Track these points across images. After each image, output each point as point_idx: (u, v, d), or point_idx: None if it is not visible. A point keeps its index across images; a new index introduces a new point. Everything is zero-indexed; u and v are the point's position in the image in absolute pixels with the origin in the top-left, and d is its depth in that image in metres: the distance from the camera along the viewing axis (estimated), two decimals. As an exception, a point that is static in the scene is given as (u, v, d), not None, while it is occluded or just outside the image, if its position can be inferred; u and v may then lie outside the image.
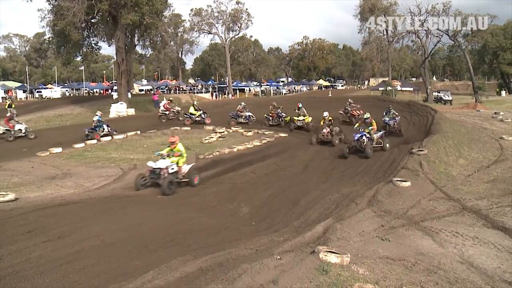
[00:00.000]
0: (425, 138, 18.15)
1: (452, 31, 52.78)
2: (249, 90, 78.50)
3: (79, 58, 48.81)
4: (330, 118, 22.59)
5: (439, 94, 54.68)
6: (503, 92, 63.59)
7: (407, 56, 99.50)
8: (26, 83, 78.61)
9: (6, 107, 34.91)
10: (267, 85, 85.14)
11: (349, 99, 31.22)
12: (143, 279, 6.38)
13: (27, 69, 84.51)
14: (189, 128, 26.50)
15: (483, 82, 68.53)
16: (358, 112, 28.03)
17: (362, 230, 8.73)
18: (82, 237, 8.28)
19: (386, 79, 70.92)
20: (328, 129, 21.59)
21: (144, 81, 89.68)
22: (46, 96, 67.08)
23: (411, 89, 61.49)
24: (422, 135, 20.18)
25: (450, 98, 52.42)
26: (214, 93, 66.07)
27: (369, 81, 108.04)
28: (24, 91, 70.54)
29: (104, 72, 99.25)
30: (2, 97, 61.65)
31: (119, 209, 10.43)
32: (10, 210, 9.67)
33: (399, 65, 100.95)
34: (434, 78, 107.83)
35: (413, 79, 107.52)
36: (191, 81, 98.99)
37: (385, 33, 66.56)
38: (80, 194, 12.23)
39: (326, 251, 6.91)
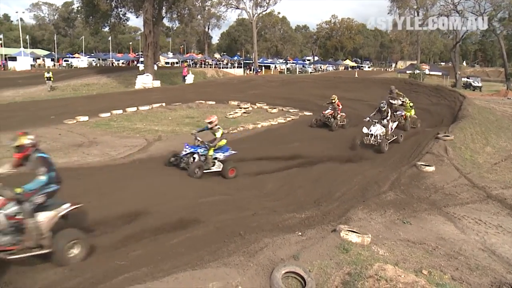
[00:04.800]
0: (451, 124, 17.83)
1: (487, 15, 50.97)
2: (275, 67, 77.83)
3: (106, 29, 49.13)
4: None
5: (468, 80, 53.36)
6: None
7: (438, 39, 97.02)
8: (54, 52, 79.55)
9: (46, 79, 35.33)
10: (293, 63, 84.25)
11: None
12: (165, 247, 6.59)
13: (55, 38, 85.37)
14: (214, 103, 26.57)
15: (516, 69, 66.40)
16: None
17: (384, 212, 8.73)
18: (105, 203, 8.51)
19: (415, 62, 69.40)
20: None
21: (170, 54, 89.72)
22: (72, 65, 67.87)
23: (440, 73, 60.04)
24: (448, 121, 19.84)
25: (480, 84, 51.14)
26: (255, 69, 65.15)
27: (396, 63, 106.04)
28: (52, 60, 71.48)
29: (130, 43, 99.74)
30: (31, 65, 62.64)
31: (143, 178, 10.65)
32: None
33: (428, 48, 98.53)
34: (464, 63, 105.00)
35: (442, 63, 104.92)
36: (217, 55, 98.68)
37: (416, 14, 64.79)
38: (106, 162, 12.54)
39: (348, 230, 6.96)
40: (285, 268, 5.52)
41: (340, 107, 20.58)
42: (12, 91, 32.90)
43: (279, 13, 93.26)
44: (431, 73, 59.86)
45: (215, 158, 12.34)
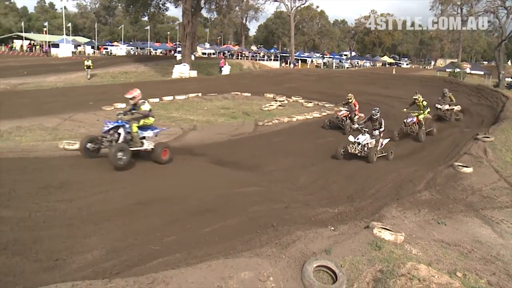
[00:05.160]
0: (492, 125, 17.30)
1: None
2: (311, 61, 77.28)
3: (146, 18, 49.87)
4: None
5: (513, 79, 51.47)
6: None
7: (481, 37, 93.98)
8: (95, 40, 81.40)
9: (85, 68, 36.15)
10: (330, 57, 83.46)
11: None
12: (199, 234, 6.69)
13: (95, 26, 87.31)
14: (249, 94, 26.69)
15: None
16: None
17: (418, 211, 8.58)
18: (141, 189, 8.73)
19: (455, 60, 67.48)
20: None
21: (207, 45, 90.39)
22: (112, 53, 69.35)
23: (482, 72, 58.21)
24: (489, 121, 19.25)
25: (525, 85, 49.27)
26: (292, 63, 64.92)
27: (436, 61, 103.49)
28: (92, 47, 73.25)
29: (168, 33, 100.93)
30: (72, 52, 64.33)
31: (177, 166, 10.84)
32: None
33: (470, 46, 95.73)
34: (510, 62, 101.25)
35: (484, 62, 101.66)
36: (254, 47, 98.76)
37: (459, 11, 62.85)
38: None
39: (381, 227, 6.89)
40: (316, 262, 5.52)
41: (357, 107, 19.00)
42: (54, 77, 33.89)
43: (317, 7, 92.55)
44: (472, 72, 58.12)
45: (143, 138, 10.86)
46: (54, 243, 6.19)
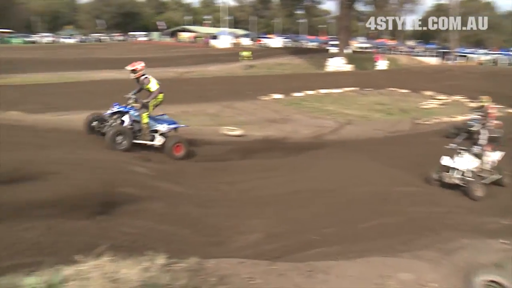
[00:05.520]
0: None
1: None
2: (475, 57, 70.34)
3: (300, 11, 50.74)
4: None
5: None
6: None
7: None
8: (251, 32, 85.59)
9: (242, 58, 38.30)
10: (498, 53, 75.02)
11: None
12: (356, 229, 6.68)
13: (254, 19, 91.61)
14: (407, 91, 25.64)
15: None
16: None
17: None
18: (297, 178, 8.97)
19: None
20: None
21: (362, 39, 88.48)
22: (267, 45, 72.06)
23: None
24: None
25: None
26: (453, 59, 60.67)
27: None
28: (252, 39, 77.05)
29: (325, 26, 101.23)
30: (232, 43, 68.35)
31: (333, 159, 10.89)
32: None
33: None
34: None
35: None
36: (411, 42, 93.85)
37: None
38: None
39: None
40: (487, 276, 5.05)
41: (493, 112, 14.89)
42: (214, 66, 36.48)
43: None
44: None
45: (155, 131, 9.63)
46: (218, 221, 6.69)
